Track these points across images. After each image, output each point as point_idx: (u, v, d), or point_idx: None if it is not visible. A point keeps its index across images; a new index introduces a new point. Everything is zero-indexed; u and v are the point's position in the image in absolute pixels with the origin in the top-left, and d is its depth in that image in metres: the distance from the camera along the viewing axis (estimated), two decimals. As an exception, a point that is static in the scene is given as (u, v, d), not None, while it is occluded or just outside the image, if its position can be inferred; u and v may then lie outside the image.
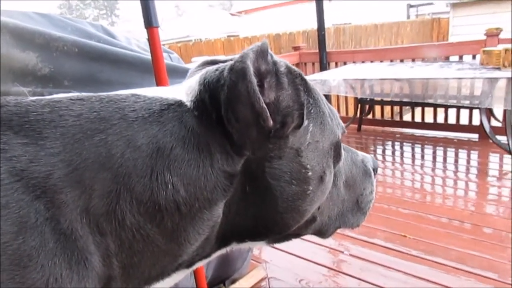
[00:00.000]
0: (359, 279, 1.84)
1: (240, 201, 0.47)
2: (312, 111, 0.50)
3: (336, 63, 4.28)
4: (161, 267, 0.44)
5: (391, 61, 3.94)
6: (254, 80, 0.40)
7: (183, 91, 0.47)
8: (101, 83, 1.19)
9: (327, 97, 4.11)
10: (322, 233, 0.63)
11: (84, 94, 0.42)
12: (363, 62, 4.08)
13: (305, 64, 4.56)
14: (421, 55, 3.86)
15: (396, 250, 2.03)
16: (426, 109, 3.88)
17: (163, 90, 0.48)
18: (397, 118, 4.36)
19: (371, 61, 4.02)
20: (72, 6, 28.32)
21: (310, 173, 0.49)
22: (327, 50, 4.29)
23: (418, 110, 3.97)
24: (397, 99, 3.15)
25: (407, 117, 4.29)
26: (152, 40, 1.09)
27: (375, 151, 3.75)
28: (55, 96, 0.41)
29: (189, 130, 0.42)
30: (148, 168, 0.39)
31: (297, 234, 0.59)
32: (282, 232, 0.54)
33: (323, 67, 4.21)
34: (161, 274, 0.45)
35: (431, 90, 2.90)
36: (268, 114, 0.42)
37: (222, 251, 0.53)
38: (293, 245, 2.20)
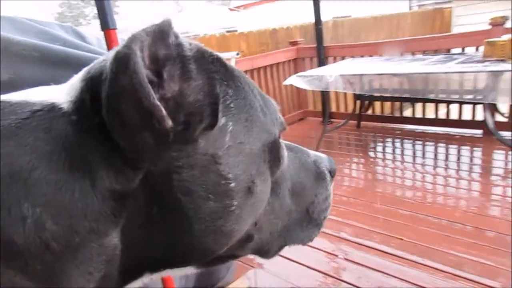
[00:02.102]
0: (354, 285, 1.76)
1: (145, 225, 0.38)
2: (232, 105, 0.40)
3: (334, 58, 4.17)
4: None
5: (391, 55, 3.82)
6: (141, 70, 0.30)
7: (64, 91, 0.37)
8: None
9: (326, 93, 4.01)
10: (263, 252, 0.53)
11: None
12: (362, 56, 3.96)
13: (303, 59, 4.45)
14: (422, 48, 3.73)
15: (392, 254, 1.94)
16: (427, 104, 3.77)
17: (38, 91, 0.39)
18: (397, 114, 4.24)
19: (370, 55, 3.91)
20: (72, 5, 28.33)
21: (232, 184, 0.40)
22: (325, 44, 4.19)
23: (419, 105, 3.86)
24: (397, 95, 3.04)
25: (407, 113, 4.18)
26: (110, 43, 1.01)
27: (375, 148, 3.65)
28: None
29: (59, 142, 0.33)
30: None
31: (233, 256, 0.50)
32: (204, 258, 0.44)
33: (321, 62, 4.10)
34: None
35: (431, 85, 2.79)
36: (164, 113, 0.32)
37: (135, 284, 0.43)
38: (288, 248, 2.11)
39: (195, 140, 0.36)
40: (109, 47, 1.02)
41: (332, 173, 0.62)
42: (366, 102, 3.92)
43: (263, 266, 1.98)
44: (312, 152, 0.61)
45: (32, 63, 1.11)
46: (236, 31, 7.78)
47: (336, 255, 2.00)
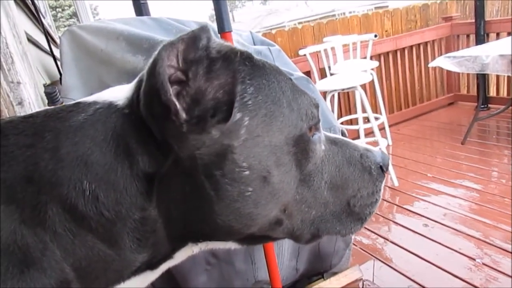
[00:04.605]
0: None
1: (181, 202, 0.45)
2: (250, 102, 0.43)
3: (497, 34, 3.56)
4: (115, 271, 0.44)
5: None
6: (164, 72, 0.37)
7: (126, 89, 0.46)
8: None
9: (483, 74, 3.48)
10: (294, 238, 0.55)
11: (40, 110, 0.46)
12: (535, 30, 3.29)
13: (458, 36, 3.92)
14: None
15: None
16: None
17: (108, 91, 0.49)
18: None
19: (548, 29, 3.21)
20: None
21: (247, 172, 0.44)
22: (487, 19, 3.61)
23: None
24: None
25: None
26: None
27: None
28: (9, 118, 0.45)
29: (109, 133, 0.42)
30: (66, 177, 0.40)
31: (267, 237, 0.54)
32: (234, 235, 0.50)
33: (480, 39, 3.56)
34: (120, 277, 0.46)
35: None
36: (178, 107, 0.39)
37: (187, 251, 0.51)
38: (418, 243, 1.99)
39: (208, 131, 0.41)
40: None
41: (383, 168, 0.60)
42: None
43: (389, 260, 1.90)
44: (362, 146, 0.60)
45: None
46: (387, 6, 7.28)
47: (480, 262, 1.78)
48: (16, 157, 0.41)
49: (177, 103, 0.39)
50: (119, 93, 0.47)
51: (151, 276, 0.50)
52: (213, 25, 1.43)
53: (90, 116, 0.44)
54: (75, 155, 0.41)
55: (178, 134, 0.41)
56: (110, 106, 0.45)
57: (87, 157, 0.41)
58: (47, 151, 0.41)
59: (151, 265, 0.49)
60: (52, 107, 0.47)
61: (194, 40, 0.40)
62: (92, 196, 0.41)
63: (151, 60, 0.40)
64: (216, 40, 0.42)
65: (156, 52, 0.39)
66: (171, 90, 0.38)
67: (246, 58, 0.45)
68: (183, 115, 0.40)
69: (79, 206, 0.40)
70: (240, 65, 0.44)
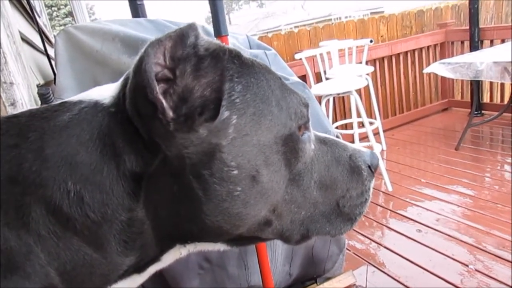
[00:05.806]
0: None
1: (169, 202, 0.44)
2: (237, 100, 0.43)
3: (491, 41, 3.59)
4: (101, 274, 0.43)
5: None
6: (150, 69, 0.37)
7: (112, 88, 0.46)
8: None
9: (477, 81, 3.51)
10: (284, 238, 0.54)
11: (24, 110, 0.45)
12: (529, 38, 3.32)
13: (452, 43, 3.95)
14: None
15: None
16: None
17: (94, 90, 0.48)
18: None
19: (541, 37, 3.25)
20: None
21: (235, 172, 0.43)
22: (482, 26, 3.64)
23: None
24: None
25: None
26: None
27: (537, 148, 3.07)
28: None
29: (95, 132, 0.41)
30: (50, 178, 0.39)
31: (256, 237, 0.52)
32: (223, 236, 0.49)
33: (474, 46, 3.59)
34: (107, 281, 0.44)
35: None
36: (165, 105, 0.38)
37: (175, 253, 0.50)
38: (411, 248, 2.00)
39: (195, 130, 0.41)
40: None
41: (372, 168, 0.60)
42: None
43: (383, 265, 1.90)
44: (351, 146, 0.60)
45: None
46: (382, 12, 7.32)
47: (473, 268, 1.79)
48: (0, 158, 0.39)
49: (164, 101, 0.38)
50: (106, 92, 0.46)
51: (139, 279, 0.49)
52: (209, 27, 1.43)
53: (75, 115, 0.43)
54: (60, 155, 0.40)
55: (165, 132, 0.40)
56: (96, 105, 0.44)
57: (72, 157, 0.40)
58: (32, 151, 0.40)
59: (139, 268, 0.48)
60: (37, 107, 0.46)
61: (181, 37, 0.39)
62: (77, 197, 0.40)
63: (137, 58, 0.39)
64: (204, 37, 0.41)
65: (142, 50, 0.38)
66: (158, 88, 0.38)
67: (235, 56, 0.45)
68: (170, 113, 0.39)
69: (63, 208, 0.39)
70: (229, 63, 0.43)
